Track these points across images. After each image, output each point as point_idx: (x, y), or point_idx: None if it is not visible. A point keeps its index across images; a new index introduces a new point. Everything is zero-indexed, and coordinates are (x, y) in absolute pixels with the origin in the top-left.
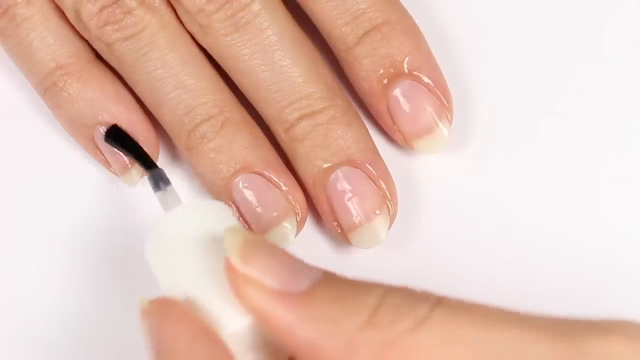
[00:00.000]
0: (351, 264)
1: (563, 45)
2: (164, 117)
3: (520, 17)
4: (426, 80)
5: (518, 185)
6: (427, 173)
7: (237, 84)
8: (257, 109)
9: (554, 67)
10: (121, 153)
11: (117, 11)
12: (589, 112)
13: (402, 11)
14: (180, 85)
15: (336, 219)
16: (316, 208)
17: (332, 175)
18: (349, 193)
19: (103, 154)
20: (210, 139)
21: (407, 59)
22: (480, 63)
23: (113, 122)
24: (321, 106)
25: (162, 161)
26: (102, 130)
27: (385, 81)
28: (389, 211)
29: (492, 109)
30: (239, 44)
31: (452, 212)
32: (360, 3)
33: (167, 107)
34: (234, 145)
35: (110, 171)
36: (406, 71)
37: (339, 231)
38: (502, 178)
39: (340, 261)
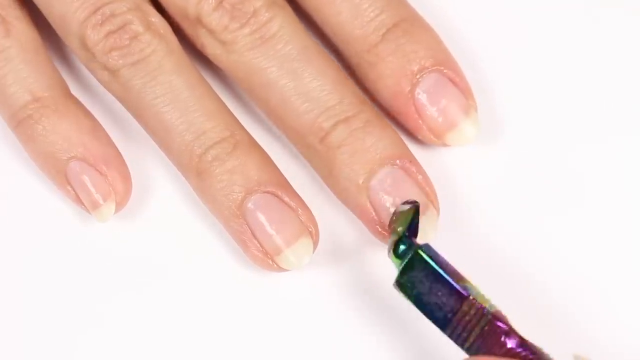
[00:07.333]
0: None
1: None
2: (172, 143)
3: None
4: (451, 74)
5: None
6: (444, 172)
7: (261, 101)
8: (284, 125)
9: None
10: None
11: (124, 36)
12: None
13: (414, 9)
14: (189, 109)
15: (381, 223)
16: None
17: (375, 179)
18: (394, 194)
19: (74, 190)
20: (224, 160)
21: (431, 53)
22: (480, 63)
23: (87, 156)
24: (354, 111)
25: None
26: (75, 164)
27: (412, 77)
28: (435, 208)
29: (492, 109)
30: (265, 57)
31: (472, 212)
32: (376, 1)
33: (176, 131)
34: (247, 166)
35: (81, 207)
36: (431, 66)
37: (385, 235)
38: (514, 175)
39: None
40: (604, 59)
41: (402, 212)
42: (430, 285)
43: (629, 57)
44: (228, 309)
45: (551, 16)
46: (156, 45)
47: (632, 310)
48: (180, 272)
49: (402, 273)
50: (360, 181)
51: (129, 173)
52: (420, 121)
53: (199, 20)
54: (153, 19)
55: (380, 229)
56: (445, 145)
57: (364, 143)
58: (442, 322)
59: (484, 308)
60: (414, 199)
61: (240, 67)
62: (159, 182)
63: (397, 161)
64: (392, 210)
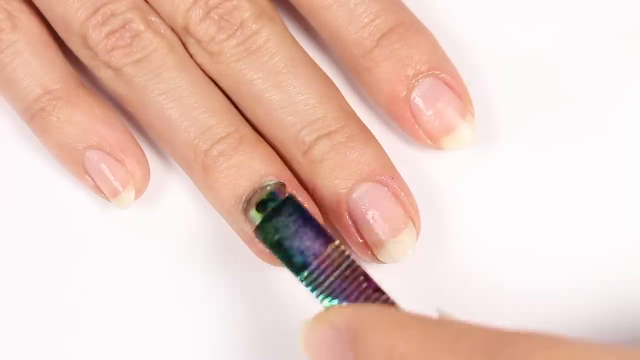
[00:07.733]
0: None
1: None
2: (176, 140)
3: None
4: (447, 78)
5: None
6: (440, 176)
7: (249, 111)
8: (270, 136)
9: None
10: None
11: (126, 35)
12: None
13: (411, 13)
14: (193, 106)
15: (362, 237)
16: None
17: (355, 194)
18: (373, 210)
19: (92, 179)
20: (230, 155)
21: (427, 58)
22: (477, 68)
23: (104, 145)
24: (338, 126)
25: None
26: (92, 154)
27: (407, 82)
28: (415, 225)
29: (489, 113)
30: (251, 69)
31: (462, 220)
32: (372, 6)
33: (181, 128)
34: (254, 161)
35: (101, 196)
36: (427, 70)
37: (365, 249)
38: (511, 179)
39: None
40: (603, 63)
41: (265, 186)
42: (296, 229)
43: (628, 59)
44: (228, 309)
45: (550, 20)
46: (158, 43)
47: (633, 311)
48: (180, 272)
49: (267, 218)
50: (341, 196)
51: (146, 159)
52: (416, 125)
53: (187, 30)
54: (153, 18)
55: (361, 243)
56: (441, 149)
57: (346, 158)
58: (300, 266)
59: (346, 251)
60: (396, 213)
61: (227, 76)
62: (159, 182)
63: (378, 177)
64: (372, 225)
